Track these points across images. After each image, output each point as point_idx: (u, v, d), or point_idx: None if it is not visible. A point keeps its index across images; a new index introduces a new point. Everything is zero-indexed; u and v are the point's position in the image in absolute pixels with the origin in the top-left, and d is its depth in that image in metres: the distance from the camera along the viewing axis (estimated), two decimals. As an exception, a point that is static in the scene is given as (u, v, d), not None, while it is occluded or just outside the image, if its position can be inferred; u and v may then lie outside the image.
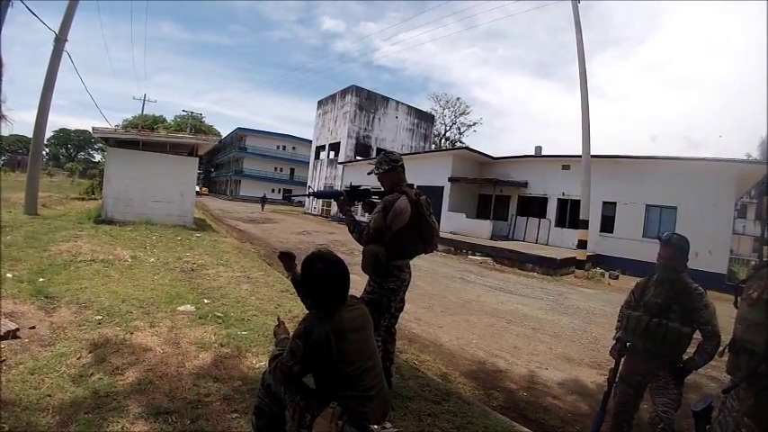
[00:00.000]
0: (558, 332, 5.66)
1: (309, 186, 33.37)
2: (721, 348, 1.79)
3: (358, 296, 2.74)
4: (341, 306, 1.76)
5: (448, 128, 46.83)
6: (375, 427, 1.65)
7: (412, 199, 2.60)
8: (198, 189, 40.06)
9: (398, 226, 2.55)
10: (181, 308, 4.19)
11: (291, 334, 1.82)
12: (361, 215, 2.82)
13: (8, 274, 4.60)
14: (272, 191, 47.08)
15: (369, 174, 2.82)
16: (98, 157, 64.07)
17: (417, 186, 2.77)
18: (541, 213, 17.02)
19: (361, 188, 2.93)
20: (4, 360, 2.69)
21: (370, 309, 2.64)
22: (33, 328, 3.29)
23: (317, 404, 1.71)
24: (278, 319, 2.34)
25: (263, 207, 30.70)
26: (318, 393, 1.77)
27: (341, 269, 1.79)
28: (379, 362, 1.86)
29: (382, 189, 2.77)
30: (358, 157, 28.26)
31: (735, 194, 12.55)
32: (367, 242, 2.59)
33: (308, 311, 1.84)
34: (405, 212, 2.55)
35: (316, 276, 1.77)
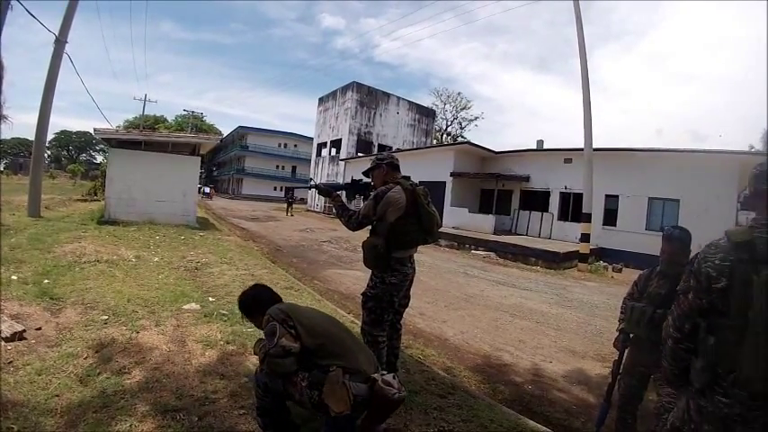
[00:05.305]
0: (561, 325, 5.67)
1: (311, 179, 30.82)
2: None
3: (361, 292, 2.76)
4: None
5: (449, 123, 46.62)
6: (375, 375, 1.78)
7: (407, 189, 2.61)
8: (208, 190, 38.98)
9: (395, 216, 2.56)
10: (186, 306, 4.21)
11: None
12: None
13: (13, 276, 4.62)
14: (275, 189, 47.12)
15: (363, 174, 2.90)
16: (100, 159, 64.37)
17: (419, 182, 2.78)
18: (544, 207, 16.97)
19: (362, 182, 2.93)
20: (11, 362, 2.72)
21: (373, 304, 2.66)
22: (40, 329, 3.31)
23: (317, 378, 1.79)
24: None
25: (289, 209, 24.44)
26: (315, 366, 1.87)
27: (262, 287, 2.37)
28: (350, 333, 2.12)
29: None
30: (360, 154, 28.18)
31: (737, 186, 12.43)
32: (355, 227, 2.68)
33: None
34: (398, 202, 2.56)
35: (249, 295, 2.25)
